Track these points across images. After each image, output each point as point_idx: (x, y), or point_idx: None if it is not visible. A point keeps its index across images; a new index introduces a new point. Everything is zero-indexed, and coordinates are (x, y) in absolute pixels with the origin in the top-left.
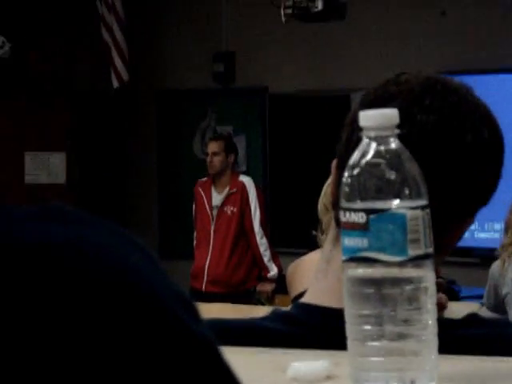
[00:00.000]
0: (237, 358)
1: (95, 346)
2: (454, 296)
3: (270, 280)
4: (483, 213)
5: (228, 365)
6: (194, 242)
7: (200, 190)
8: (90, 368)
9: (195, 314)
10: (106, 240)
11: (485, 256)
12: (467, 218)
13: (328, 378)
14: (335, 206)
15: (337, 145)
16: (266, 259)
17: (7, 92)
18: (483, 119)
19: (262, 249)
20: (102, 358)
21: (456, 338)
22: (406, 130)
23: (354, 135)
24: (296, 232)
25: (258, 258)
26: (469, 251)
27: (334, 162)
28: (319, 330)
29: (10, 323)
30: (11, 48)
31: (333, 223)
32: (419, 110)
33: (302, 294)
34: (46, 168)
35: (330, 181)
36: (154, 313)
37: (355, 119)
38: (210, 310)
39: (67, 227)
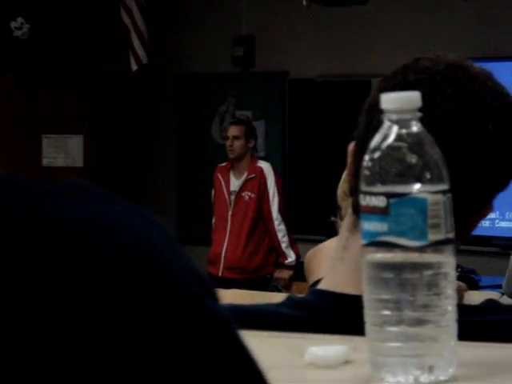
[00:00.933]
0: (253, 341)
1: (109, 320)
2: (474, 285)
3: (288, 267)
4: (504, 202)
5: (244, 344)
6: (212, 228)
7: (219, 175)
8: (104, 339)
9: (212, 293)
10: (124, 217)
11: (505, 245)
12: (486, 205)
13: (346, 362)
14: (352, 192)
15: (354, 131)
16: (283, 245)
17: (25, 73)
18: (504, 107)
19: (279, 235)
20: (114, 331)
21: (474, 325)
22: (428, 120)
23: (374, 121)
24: (315, 218)
25: (275, 244)
26: (489, 240)
27: (351, 148)
28: (334, 316)
29: (25, 299)
30: (30, 29)
31: (350, 210)
32: (441, 99)
33: (319, 281)
34: (64, 151)
35: None
36: (170, 288)
37: (374, 105)
38: (226, 296)
39: (85, 204)
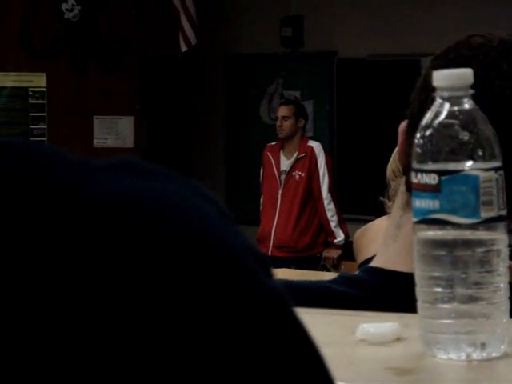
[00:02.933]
0: (304, 318)
1: (165, 294)
2: None
3: (337, 246)
4: None
5: (299, 319)
6: (261, 207)
7: (269, 154)
8: (160, 317)
9: (267, 269)
10: (178, 192)
11: None
12: None
13: (398, 339)
14: (405, 171)
15: (407, 109)
16: (333, 225)
17: (77, 55)
18: None
19: (329, 214)
20: (170, 306)
21: None
22: (484, 96)
23: (428, 99)
24: (363, 198)
25: (325, 223)
26: None
27: (402, 127)
28: (387, 293)
29: (78, 276)
30: (80, 11)
31: (402, 189)
32: (496, 75)
33: (368, 260)
34: (115, 132)
35: None
36: (225, 262)
37: (428, 83)
38: (276, 275)
39: (137, 179)
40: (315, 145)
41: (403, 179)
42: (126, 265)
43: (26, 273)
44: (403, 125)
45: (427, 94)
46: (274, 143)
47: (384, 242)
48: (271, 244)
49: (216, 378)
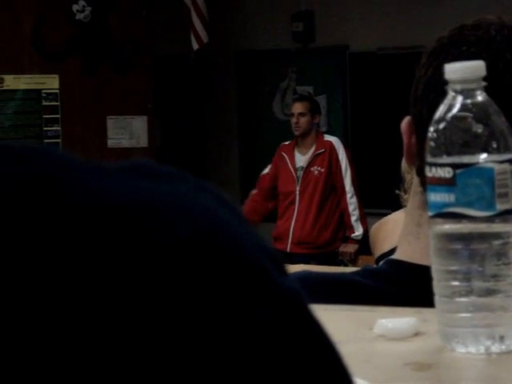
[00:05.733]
0: (321, 315)
1: (174, 296)
2: None
3: (354, 241)
4: None
5: (314, 316)
6: (276, 206)
7: (283, 153)
8: (180, 326)
9: (281, 267)
10: (191, 194)
11: None
12: None
13: (416, 334)
14: (419, 172)
15: (410, 108)
16: (353, 219)
17: (89, 56)
18: None
19: (350, 208)
20: (179, 308)
21: None
22: (494, 88)
23: (439, 100)
24: (378, 192)
25: (345, 216)
26: None
27: (405, 127)
28: (409, 286)
29: (87, 287)
30: (91, 12)
31: (418, 189)
32: (504, 66)
33: (385, 254)
34: (128, 132)
35: None
36: (238, 263)
37: (437, 84)
38: (294, 271)
39: (147, 181)
40: (333, 139)
41: (417, 179)
42: (133, 268)
43: (27, 274)
44: (405, 125)
45: (437, 94)
46: (287, 142)
47: (405, 238)
48: (290, 241)
49: (227, 379)
